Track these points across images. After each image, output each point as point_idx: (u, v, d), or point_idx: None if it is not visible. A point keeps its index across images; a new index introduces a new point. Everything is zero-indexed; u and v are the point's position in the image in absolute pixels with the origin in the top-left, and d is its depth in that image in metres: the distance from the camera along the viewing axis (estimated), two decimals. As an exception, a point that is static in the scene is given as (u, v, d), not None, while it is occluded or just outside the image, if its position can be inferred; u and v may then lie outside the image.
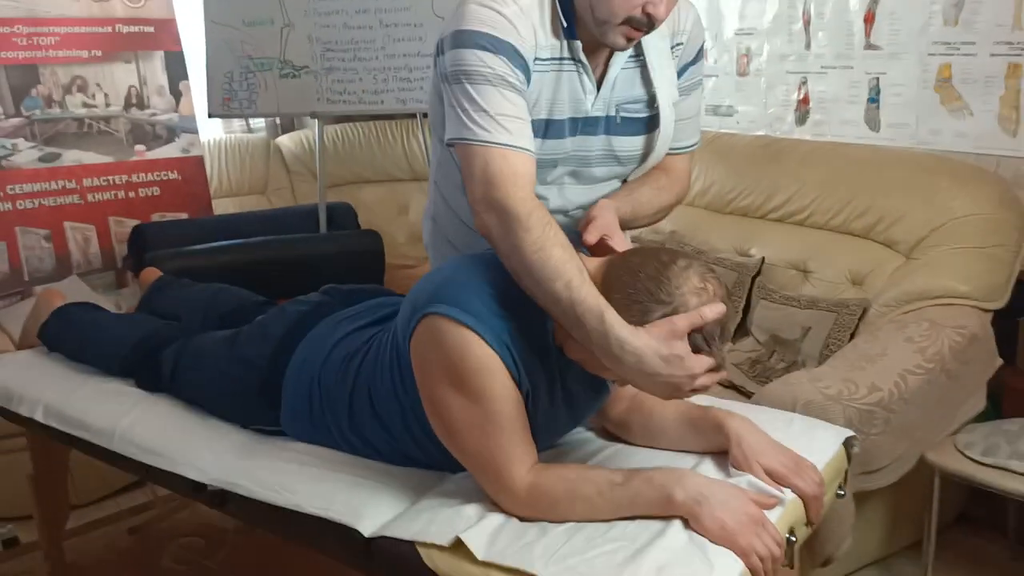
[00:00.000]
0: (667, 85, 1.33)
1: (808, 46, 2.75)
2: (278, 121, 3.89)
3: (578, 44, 1.26)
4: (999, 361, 1.98)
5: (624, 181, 1.42)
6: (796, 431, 1.32)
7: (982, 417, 1.97)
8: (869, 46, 2.56)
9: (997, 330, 2.03)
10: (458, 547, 1.09)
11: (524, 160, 1.19)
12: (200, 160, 3.07)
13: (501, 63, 1.19)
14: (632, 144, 1.34)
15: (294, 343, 1.43)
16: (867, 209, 2.23)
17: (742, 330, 2.37)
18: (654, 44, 1.31)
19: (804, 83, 2.78)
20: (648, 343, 1.04)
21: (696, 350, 1.05)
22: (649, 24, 1.20)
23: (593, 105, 1.30)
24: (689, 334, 1.05)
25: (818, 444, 1.30)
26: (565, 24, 1.25)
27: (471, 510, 1.16)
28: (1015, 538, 2.07)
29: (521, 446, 1.15)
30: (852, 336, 2.06)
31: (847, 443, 1.34)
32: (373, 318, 1.41)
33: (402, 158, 3.83)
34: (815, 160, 2.44)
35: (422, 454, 1.28)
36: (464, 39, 1.20)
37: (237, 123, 3.79)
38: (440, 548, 1.11)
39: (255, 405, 1.45)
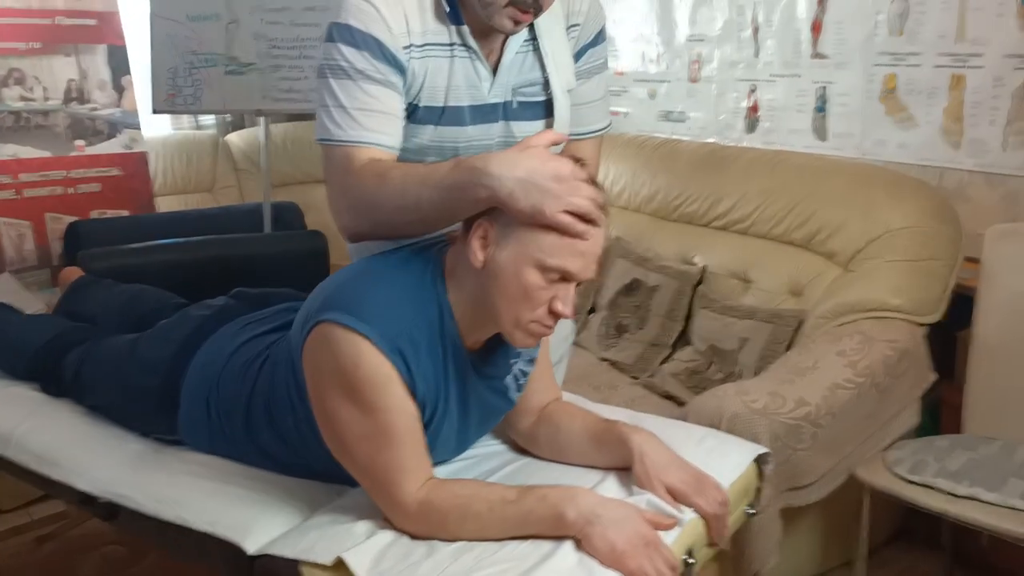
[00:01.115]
0: (561, 70, 1.30)
1: (757, 54, 2.72)
2: (228, 118, 3.81)
3: (466, 29, 1.22)
4: (933, 376, 1.96)
5: None
6: (707, 448, 1.29)
7: (919, 432, 1.95)
8: (816, 55, 2.54)
9: (935, 344, 2.01)
10: (341, 566, 1.05)
11: (376, 155, 1.18)
12: (143, 156, 3.00)
13: (362, 58, 1.16)
14: (532, 129, 1.30)
15: (194, 348, 1.38)
16: (807, 219, 2.21)
17: (683, 339, 2.34)
18: (548, 27, 1.28)
19: (754, 91, 2.76)
20: (502, 152, 1.07)
21: None
22: (536, 6, 1.17)
23: (490, 91, 1.27)
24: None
25: (728, 461, 1.26)
26: (448, 9, 1.22)
27: (361, 527, 1.12)
28: (951, 555, 2.05)
29: (414, 460, 1.11)
30: (788, 347, 2.03)
31: (760, 460, 1.30)
32: (276, 324, 1.36)
33: (355, 158, 3.76)
34: (758, 168, 2.41)
35: (319, 466, 1.22)
36: (332, 33, 1.18)
37: (186, 120, 3.71)
38: (323, 567, 1.06)
39: (153, 412, 1.39)
